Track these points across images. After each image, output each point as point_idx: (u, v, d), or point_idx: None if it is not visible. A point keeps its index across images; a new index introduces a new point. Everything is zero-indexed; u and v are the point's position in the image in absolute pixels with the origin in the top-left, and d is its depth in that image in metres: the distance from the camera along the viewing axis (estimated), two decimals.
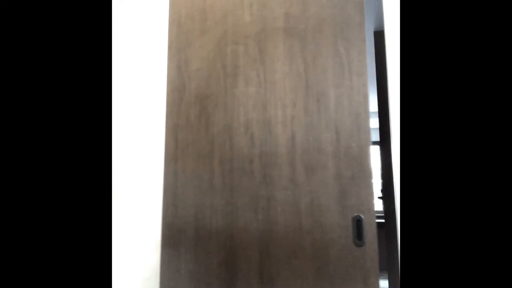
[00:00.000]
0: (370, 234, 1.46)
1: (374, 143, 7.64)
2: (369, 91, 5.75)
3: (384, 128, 3.38)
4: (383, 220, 6.78)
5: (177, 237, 1.68)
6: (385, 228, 3.26)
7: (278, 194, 1.56)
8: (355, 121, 1.52)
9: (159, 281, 1.69)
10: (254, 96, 1.64)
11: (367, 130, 1.50)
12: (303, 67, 1.60)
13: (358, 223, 1.47)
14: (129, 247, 1.84)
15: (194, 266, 1.64)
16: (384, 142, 3.37)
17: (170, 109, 1.77)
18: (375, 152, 7.58)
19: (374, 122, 7.25)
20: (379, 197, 5.19)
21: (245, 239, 1.58)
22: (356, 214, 1.48)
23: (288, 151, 1.57)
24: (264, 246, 1.55)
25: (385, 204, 3.35)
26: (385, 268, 6.40)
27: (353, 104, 1.53)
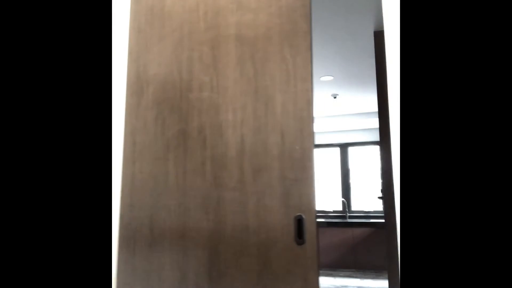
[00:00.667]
0: (310, 232, 1.53)
1: (374, 143, 7.68)
2: (369, 91, 5.77)
3: (384, 128, 3.41)
4: (383, 220, 6.85)
5: (133, 237, 1.76)
6: (385, 228, 3.29)
7: (227, 194, 1.63)
8: (299, 125, 1.59)
9: (116, 280, 1.78)
10: (207, 100, 1.71)
11: (310, 133, 1.57)
12: (253, 72, 1.67)
13: (299, 222, 1.54)
14: None
15: (148, 265, 1.72)
16: (384, 142, 3.40)
17: (128, 112, 1.86)
18: (375, 152, 7.61)
19: (374, 122, 7.28)
20: (379, 197, 5.23)
21: (196, 239, 1.66)
22: (297, 214, 1.55)
23: (237, 154, 1.64)
24: (214, 245, 1.63)
25: (385, 204, 3.38)
26: (385, 268, 6.46)
27: (297, 109, 1.60)
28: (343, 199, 7.70)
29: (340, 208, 7.75)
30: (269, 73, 1.65)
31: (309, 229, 1.53)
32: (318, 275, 1.51)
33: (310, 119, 1.58)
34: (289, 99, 1.62)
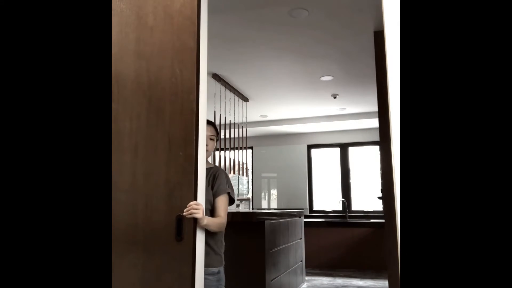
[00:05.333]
0: (188, 230, 1.69)
1: (374, 143, 7.70)
2: (369, 91, 5.76)
3: (384, 128, 3.49)
4: (383, 220, 6.87)
5: None
6: (385, 228, 3.37)
7: (121, 196, 1.80)
8: (183, 133, 1.75)
9: None
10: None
11: (192, 141, 1.73)
12: (147, 85, 1.84)
13: (179, 222, 1.70)
14: None
15: None
16: (384, 142, 3.48)
17: None
18: (375, 152, 7.62)
19: (374, 122, 7.30)
20: (379, 197, 5.27)
21: None
22: (178, 214, 1.71)
23: (131, 159, 1.81)
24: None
25: (385, 204, 3.47)
26: (385, 268, 6.49)
27: (182, 119, 1.76)
28: (343, 199, 7.76)
29: (340, 208, 7.81)
30: (161, 86, 1.82)
31: (187, 227, 1.69)
32: (193, 269, 1.66)
33: (193, 128, 1.74)
34: (177, 109, 1.78)
